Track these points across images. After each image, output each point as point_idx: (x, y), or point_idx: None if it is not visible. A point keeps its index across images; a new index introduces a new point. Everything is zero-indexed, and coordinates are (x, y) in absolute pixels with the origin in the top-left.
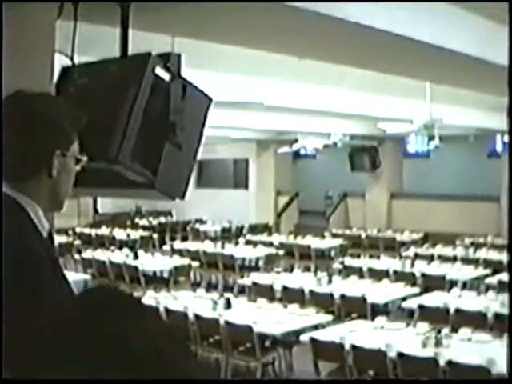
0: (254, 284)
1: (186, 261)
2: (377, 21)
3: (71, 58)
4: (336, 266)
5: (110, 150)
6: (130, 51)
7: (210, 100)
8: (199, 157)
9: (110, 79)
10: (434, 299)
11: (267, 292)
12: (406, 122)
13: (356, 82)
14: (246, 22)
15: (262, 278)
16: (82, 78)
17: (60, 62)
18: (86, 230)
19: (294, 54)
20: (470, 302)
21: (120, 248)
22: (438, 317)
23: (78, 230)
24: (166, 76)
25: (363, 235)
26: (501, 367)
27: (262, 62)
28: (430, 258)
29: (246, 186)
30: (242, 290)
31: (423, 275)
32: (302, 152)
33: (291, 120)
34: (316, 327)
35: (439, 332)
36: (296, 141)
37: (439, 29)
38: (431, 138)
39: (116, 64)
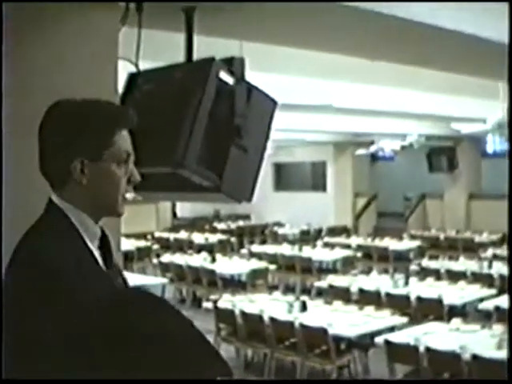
0: (331, 286)
1: (263, 264)
2: (444, 20)
3: (136, 65)
4: (413, 267)
5: (176, 154)
6: (198, 57)
7: (275, 103)
8: (277, 160)
9: (175, 84)
10: None
11: (344, 294)
12: (479, 121)
13: (429, 83)
14: (314, 24)
15: (338, 280)
16: (148, 84)
17: (125, 68)
18: (165, 235)
19: (365, 57)
20: None
21: (198, 252)
22: None
23: (156, 234)
24: (230, 80)
25: (441, 236)
26: None
27: (334, 64)
28: (509, 259)
29: (324, 189)
30: (319, 293)
31: (501, 276)
32: (380, 154)
33: (367, 122)
34: (392, 329)
35: None
36: (373, 143)
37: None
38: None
39: (181, 69)
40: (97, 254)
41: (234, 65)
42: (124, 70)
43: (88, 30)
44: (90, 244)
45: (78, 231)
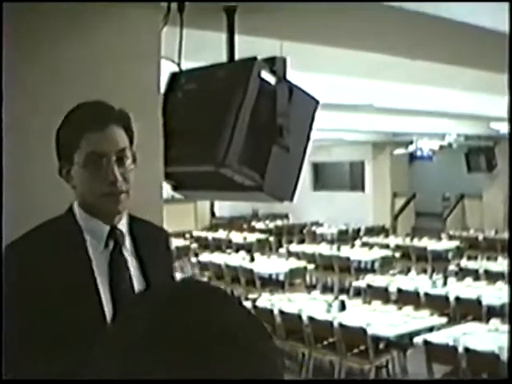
0: (369, 286)
1: (301, 263)
2: (484, 20)
3: (178, 64)
4: (452, 268)
5: (218, 153)
6: (239, 56)
7: (317, 102)
8: (315, 159)
9: (217, 84)
10: None
11: (382, 294)
12: None
13: (468, 82)
14: (354, 24)
15: (377, 280)
16: (190, 84)
17: (168, 68)
18: (203, 234)
19: (405, 56)
20: None
21: (237, 251)
22: None
23: (195, 233)
24: (271, 80)
25: (480, 237)
26: None
27: (374, 63)
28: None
29: (363, 188)
30: (357, 293)
31: None
32: (418, 154)
33: (405, 121)
34: (430, 330)
35: None
36: (411, 142)
37: None
38: None
39: (223, 69)
40: (99, 253)
41: (275, 64)
42: (167, 69)
43: (130, 29)
44: (89, 245)
45: (75, 233)
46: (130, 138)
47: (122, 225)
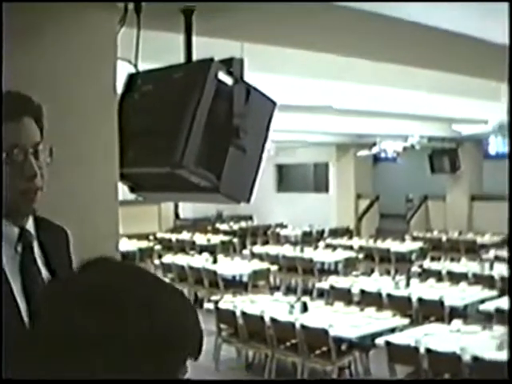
0: (332, 288)
1: (265, 265)
2: (444, 22)
3: (135, 66)
4: (415, 269)
5: (174, 154)
6: (199, 57)
7: (274, 104)
8: (279, 161)
9: (174, 85)
10: None
11: (345, 295)
12: (481, 123)
13: (431, 84)
14: (314, 25)
15: (340, 281)
16: (147, 85)
17: (126, 69)
18: (167, 235)
19: (366, 57)
20: None
21: (200, 253)
22: None
23: (158, 235)
24: (228, 81)
25: (444, 238)
26: None
27: (334, 65)
28: (509, 261)
29: (327, 190)
30: (320, 294)
31: (502, 278)
32: (382, 155)
33: (369, 123)
34: (393, 331)
35: None
36: (375, 144)
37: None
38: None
39: (180, 70)
40: (11, 259)
41: (232, 65)
42: (124, 70)
43: (87, 30)
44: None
45: None
46: (41, 131)
47: (30, 226)
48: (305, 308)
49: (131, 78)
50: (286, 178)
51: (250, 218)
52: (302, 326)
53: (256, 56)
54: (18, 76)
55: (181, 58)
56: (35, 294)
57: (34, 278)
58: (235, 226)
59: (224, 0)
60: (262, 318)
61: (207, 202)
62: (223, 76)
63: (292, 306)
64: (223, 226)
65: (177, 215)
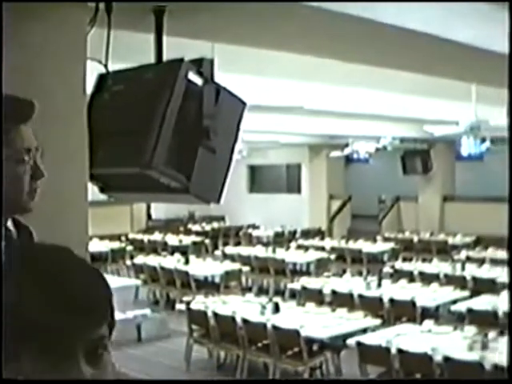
0: (304, 288)
1: (236, 266)
2: (413, 22)
3: (105, 66)
4: (387, 270)
5: (144, 155)
6: (170, 58)
7: (244, 104)
8: (252, 162)
9: (145, 85)
10: (483, 303)
11: (317, 296)
12: (451, 124)
13: (402, 85)
14: (285, 26)
15: (311, 282)
16: (117, 85)
17: (96, 69)
18: (139, 236)
19: (336, 58)
20: None
21: (172, 253)
22: (486, 320)
23: (130, 235)
24: (198, 81)
25: (415, 239)
26: None
27: (305, 66)
28: (482, 262)
29: (299, 191)
30: (292, 295)
31: (473, 278)
32: (355, 156)
33: (341, 124)
34: (364, 331)
35: (486, 335)
36: (347, 145)
37: (480, 30)
38: (483, 140)
39: (150, 70)
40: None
41: (203, 66)
42: (95, 71)
43: (56, 29)
44: None
45: None
46: (34, 135)
47: (10, 224)
48: (276, 309)
49: (101, 78)
50: (259, 179)
51: (223, 218)
52: (274, 327)
53: (227, 56)
54: None
55: (151, 58)
56: None
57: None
58: (207, 227)
59: (195, 0)
60: (233, 318)
61: (177, 202)
62: (193, 76)
63: (264, 307)
64: (195, 227)
65: (149, 216)
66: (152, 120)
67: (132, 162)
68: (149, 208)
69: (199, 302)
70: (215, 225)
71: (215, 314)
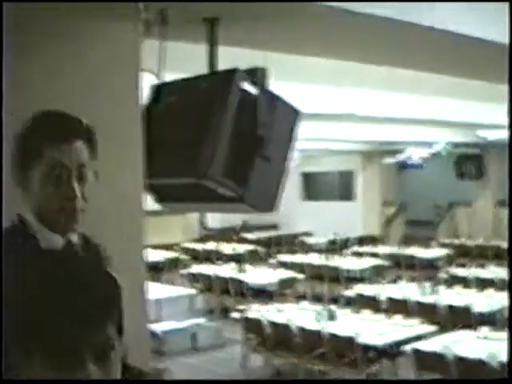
0: (359, 295)
1: (291, 273)
2: (465, 25)
3: (159, 76)
4: (442, 275)
5: (200, 165)
6: (222, 67)
7: (299, 113)
8: (305, 169)
9: (199, 96)
10: None
11: (372, 303)
12: (505, 128)
13: (456, 90)
14: (337, 34)
15: (367, 289)
16: (171, 96)
17: (150, 80)
18: (193, 245)
19: (388, 65)
20: None
21: (226, 262)
22: None
23: (185, 245)
24: (253, 90)
25: (471, 244)
26: None
27: (358, 73)
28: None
29: (352, 198)
30: (347, 302)
31: None
32: (408, 162)
33: (394, 130)
34: (420, 338)
35: None
36: (400, 151)
37: None
38: None
39: (204, 81)
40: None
41: (256, 75)
42: (149, 81)
43: (110, 41)
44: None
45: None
46: (91, 153)
47: (75, 240)
48: (332, 316)
49: (156, 89)
50: (312, 187)
51: (276, 226)
52: (330, 335)
53: (279, 65)
54: (36, 90)
55: (204, 68)
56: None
57: (72, 289)
58: (261, 235)
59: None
60: (289, 326)
61: (232, 212)
62: (247, 86)
63: (319, 315)
64: (249, 236)
65: (203, 225)
66: (207, 130)
67: (188, 172)
68: (203, 217)
69: (254, 311)
70: (269, 233)
71: (270, 322)
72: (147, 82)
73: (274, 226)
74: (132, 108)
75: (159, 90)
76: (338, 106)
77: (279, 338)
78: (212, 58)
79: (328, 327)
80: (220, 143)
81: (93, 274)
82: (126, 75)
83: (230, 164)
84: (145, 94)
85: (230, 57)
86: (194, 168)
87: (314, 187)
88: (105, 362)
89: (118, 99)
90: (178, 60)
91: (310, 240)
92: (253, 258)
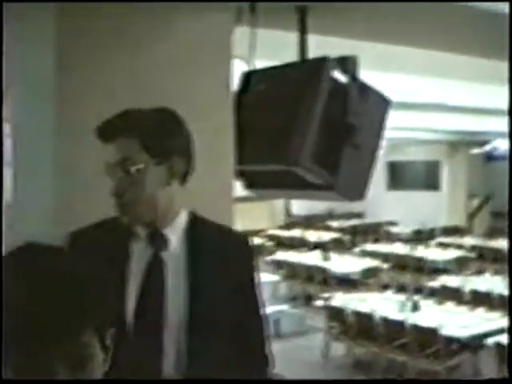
0: (443, 287)
1: (375, 263)
2: None
3: (250, 64)
4: None
5: (290, 152)
6: (311, 55)
7: (389, 102)
8: (390, 159)
9: (289, 84)
10: None
11: (455, 295)
12: None
13: None
14: (427, 23)
15: (451, 280)
16: (262, 84)
17: (240, 67)
18: (278, 232)
19: (479, 55)
20: None
21: (311, 250)
22: None
23: (270, 231)
24: (343, 79)
25: None
26: None
27: (448, 63)
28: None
29: (438, 188)
30: (431, 293)
31: None
32: (495, 153)
33: (481, 121)
34: (503, 331)
35: None
36: (487, 142)
37: None
38: None
39: (294, 69)
40: (139, 256)
41: (347, 64)
42: (238, 69)
43: (203, 29)
44: (133, 247)
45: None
46: (144, 148)
47: (170, 229)
48: (415, 307)
49: (246, 77)
50: (397, 176)
51: (362, 215)
52: (412, 325)
53: (368, 54)
54: (131, 76)
55: (292, 56)
56: (148, 290)
57: (152, 276)
58: (346, 224)
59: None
60: (372, 316)
61: (322, 199)
62: (338, 74)
63: (403, 305)
64: (334, 224)
65: (289, 212)
66: (298, 118)
67: (278, 159)
68: (288, 204)
69: (338, 299)
70: (354, 221)
71: (354, 311)
72: (237, 70)
73: (359, 215)
74: (224, 95)
75: (249, 78)
76: (427, 96)
77: (362, 327)
78: (302, 46)
79: (411, 318)
80: (310, 131)
81: None
82: (218, 62)
83: (320, 152)
84: (235, 81)
85: (318, 45)
86: (284, 155)
87: (400, 176)
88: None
89: (210, 86)
90: (269, 48)
91: (395, 229)
92: (337, 246)
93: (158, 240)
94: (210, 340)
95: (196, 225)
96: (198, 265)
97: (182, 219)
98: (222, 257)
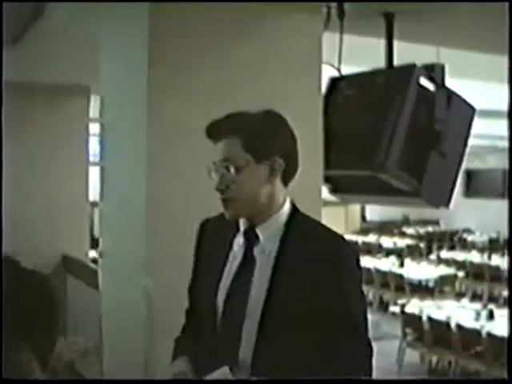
0: None
1: (451, 270)
2: None
3: (338, 69)
4: None
5: (377, 158)
6: (396, 62)
7: (474, 109)
8: (467, 166)
9: (377, 89)
10: None
11: None
12: None
13: None
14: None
15: None
16: (350, 89)
17: (327, 72)
18: (354, 237)
19: None
20: None
21: (386, 256)
22: None
23: (345, 237)
24: (430, 86)
25: None
26: None
27: None
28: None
29: None
30: (505, 303)
31: None
32: None
33: None
34: None
35: None
36: None
37: None
38: None
39: (382, 75)
40: (238, 250)
41: (434, 71)
42: (325, 74)
43: (292, 34)
44: (235, 241)
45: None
46: (246, 148)
47: (265, 226)
48: (491, 316)
49: (334, 82)
50: (474, 184)
51: (437, 222)
52: (488, 334)
53: (452, 61)
54: (220, 77)
55: (379, 62)
56: (237, 285)
57: (243, 272)
58: (421, 230)
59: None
60: (447, 323)
61: (406, 205)
62: (425, 81)
63: (478, 314)
64: (409, 230)
65: (363, 217)
66: (385, 123)
67: (364, 164)
68: (363, 209)
69: (413, 306)
70: (429, 228)
71: (429, 319)
72: (327, 75)
73: (435, 222)
74: (314, 99)
75: (338, 83)
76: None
77: (437, 334)
78: (389, 52)
79: (487, 327)
80: (397, 137)
81: None
82: (308, 67)
83: (406, 158)
84: (324, 86)
85: (403, 52)
86: (371, 161)
87: (477, 184)
88: None
89: (301, 90)
90: (356, 53)
91: (471, 237)
92: (413, 252)
93: (251, 236)
94: (281, 334)
95: (295, 224)
96: (287, 263)
97: (283, 217)
98: (313, 258)
